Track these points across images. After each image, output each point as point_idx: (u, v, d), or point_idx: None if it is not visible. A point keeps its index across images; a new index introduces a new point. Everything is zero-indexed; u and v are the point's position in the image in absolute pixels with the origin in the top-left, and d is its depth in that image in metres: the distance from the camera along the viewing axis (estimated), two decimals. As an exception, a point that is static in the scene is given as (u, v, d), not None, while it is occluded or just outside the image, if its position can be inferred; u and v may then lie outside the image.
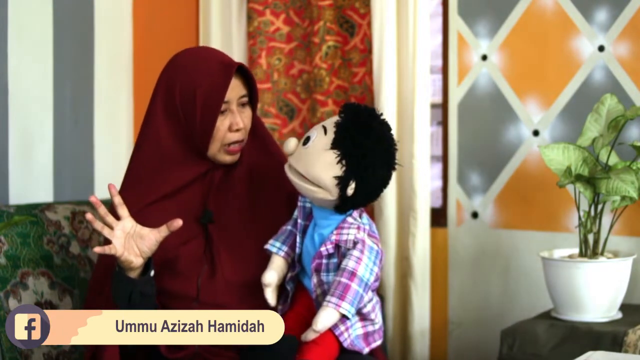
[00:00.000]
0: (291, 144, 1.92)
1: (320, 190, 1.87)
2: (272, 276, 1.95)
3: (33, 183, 2.62)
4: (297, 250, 1.96)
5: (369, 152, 1.84)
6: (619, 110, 2.33)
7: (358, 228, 1.91)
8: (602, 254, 2.36)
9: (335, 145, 1.85)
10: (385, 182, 1.90)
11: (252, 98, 2.06)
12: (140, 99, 3.03)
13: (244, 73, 2.03)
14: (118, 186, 1.97)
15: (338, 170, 1.84)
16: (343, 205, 1.89)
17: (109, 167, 2.90)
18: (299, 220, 1.97)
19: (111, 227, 1.86)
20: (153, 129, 2.06)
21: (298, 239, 1.96)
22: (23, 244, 2.20)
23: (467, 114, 2.82)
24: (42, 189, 2.65)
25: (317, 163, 1.86)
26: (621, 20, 2.59)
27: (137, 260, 1.87)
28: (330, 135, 1.87)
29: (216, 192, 2.05)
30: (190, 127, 2.01)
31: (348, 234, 1.90)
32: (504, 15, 2.75)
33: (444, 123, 2.88)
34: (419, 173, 2.74)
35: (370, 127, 1.86)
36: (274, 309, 1.96)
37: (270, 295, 1.94)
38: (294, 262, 1.98)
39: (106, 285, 1.99)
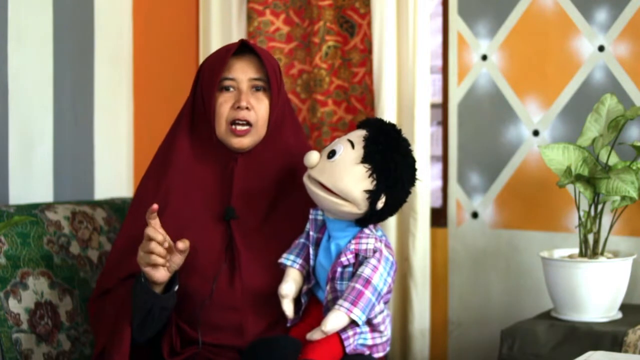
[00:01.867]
0: (313, 157, 1.92)
1: (347, 204, 1.88)
2: (289, 287, 1.95)
3: (33, 183, 2.62)
4: (311, 262, 1.96)
5: (398, 166, 1.88)
6: (619, 110, 2.33)
7: (375, 239, 1.92)
8: (602, 254, 2.36)
9: (366, 159, 1.86)
10: (408, 196, 1.95)
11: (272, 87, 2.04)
12: (140, 99, 3.03)
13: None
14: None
15: (369, 184, 1.86)
16: (368, 219, 1.90)
17: (109, 167, 2.90)
18: (311, 233, 1.98)
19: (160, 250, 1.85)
20: (180, 116, 2.10)
21: (311, 252, 1.96)
22: (23, 244, 2.19)
23: (467, 114, 2.82)
24: (42, 189, 2.65)
25: (346, 177, 1.87)
26: (621, 20, 2.59)
27: (163, 276, 1.87)
28: (359, 149, 1.88)
29: (241, 186, 2.05)
30: (200, 106, 2.03)
31: (367, 243, 1.91)
32: (504, 15, 2.75)
33: (444, 123, 2.88)
34: (419, 173, 2.73)
35: (398, 141, 1.90)
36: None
37: (288, 307, 1.95)
38: (309, 275, 1.98)
39: (121, 272, 2.00)
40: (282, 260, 1.98)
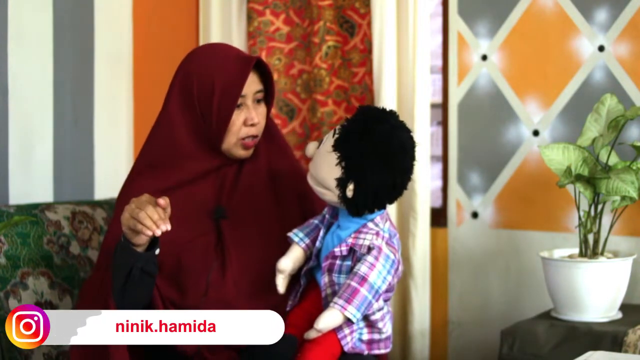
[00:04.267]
0: (310, 147, 1.95)
1: (328, 192, 1.89)
2: (286, 263, 1.96)
3: (33, 183, 2.62)
4: (318, 244, 1.96)
5: (365, 154, 1.84)
6: (619, 110, 2.33)
7: (377, 234, 1.91)
8: (602, 254, 2.36)
9: (335, 147, 1.86)
10: (387, 185, 1.88)
11: (267, 95, 2.08)
12: (140, 99, 3.03)
13: (261, 69, 2.05)
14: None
15: (338, 172, 1.86)
16: (349, 208, 1.90)
17: (109, 167, 2.90)
18: (327, 216, 1.99)
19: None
20: (168, 119, 2.08)
21: (321, 233, 1.96)
22: (23, 244, 2.19)
23: (467, 114, 2.82)
24: (42, 189, 2.65)
25: (323, 165, 1.88)
26: (621, 20, 2.59)
27: (143, 240, 1.85)
28: (336, 137, 1.88)
29: (230, 188, 2.07)
30: (206, 120, 2.02)
31: (364, 239, 1.90)
32: (504, 15, 2.75)
33: (444, 123, 2.88)
34: (419, 173, 2.74)
35: (371, 129, 1.86)
36: (283, 300, 1.97)
37: (281, 282, 1.95)
38: (312, 256, 1.98)
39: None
40: (290, 234, 1.98)
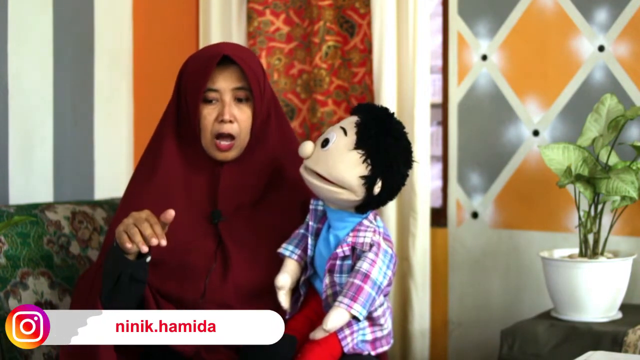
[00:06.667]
0: (308, 147, 1.92)
1: (344, 192, 1.88)
2: (285, 279, 1.95)
3: (33, 183, 2.62)
4: (310, 253, 1.96)
5: (392, 150, 1.86)
6: (619, 110, 2.34)
7: (374, 231, 1.91)
8: (602, 254, 2.36)
9: (359, 144, 1.86)
10: (405, 180, 1.92)
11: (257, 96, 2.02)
12: (140, 99, 3.04)
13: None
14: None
15: (364, 170, 1.85)
16: (367, 205, 1.90)
17: (109, 167, 2.90)
18: (311, 223, 1.98)
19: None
20: (164, 119, 2.10)
21: (310, 242, 1.96)
22: (23, 244, 2.19)
23: (467, 114, 2.82)
24: (42, 189, 2.65)
25: (340, 164, 1.86)
26: (621, 20, 2.59)
27: (135, 248, 1.83)
28: (352, 135, 1.88)
29: (227, 190, 2.05)
30: (184, 112, 2.03)
31: (365, 237, 1.90)
32: (504, 15, 2.75)
33: (444, 123, 2.88)
34: (419, 173, 2.74)
35: (390, 125, 1.88)
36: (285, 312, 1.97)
37: (284, 299, 1.95)
38: (307, 266, 1.98)
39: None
40: (280, 250, 1.98)
